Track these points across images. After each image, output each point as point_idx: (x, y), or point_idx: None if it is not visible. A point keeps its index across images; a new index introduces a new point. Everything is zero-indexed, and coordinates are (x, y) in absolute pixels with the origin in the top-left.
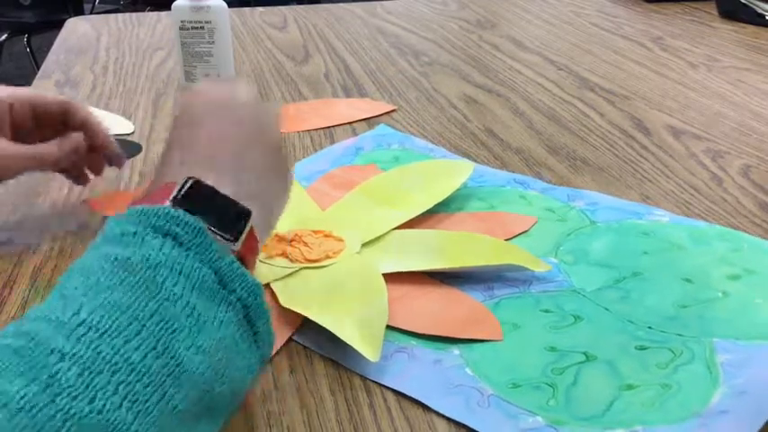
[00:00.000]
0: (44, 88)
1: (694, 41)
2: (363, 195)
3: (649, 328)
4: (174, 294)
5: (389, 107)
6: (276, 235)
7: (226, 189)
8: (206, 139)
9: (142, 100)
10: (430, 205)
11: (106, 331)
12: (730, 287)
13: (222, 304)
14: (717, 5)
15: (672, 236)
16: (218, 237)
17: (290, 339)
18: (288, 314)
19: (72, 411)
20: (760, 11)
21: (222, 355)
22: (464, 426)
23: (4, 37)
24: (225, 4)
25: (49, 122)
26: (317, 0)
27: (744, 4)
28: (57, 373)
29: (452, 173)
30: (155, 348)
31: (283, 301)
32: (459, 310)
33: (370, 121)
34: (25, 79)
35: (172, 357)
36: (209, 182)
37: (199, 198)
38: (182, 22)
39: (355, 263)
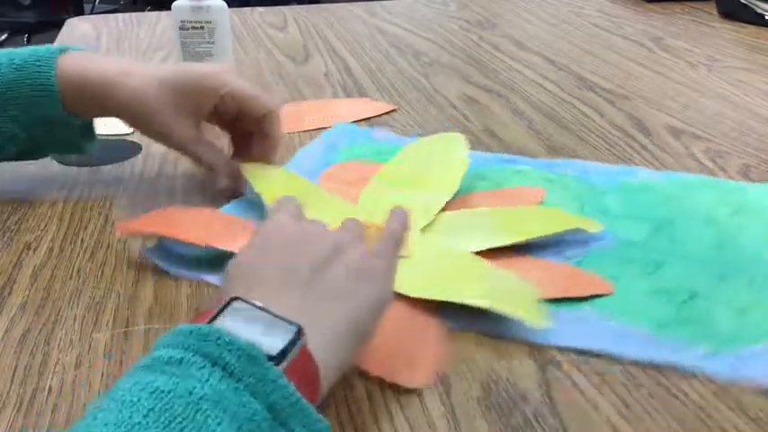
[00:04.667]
0: None
1: (694, 41)
2: (385, 183)
3: (685, 258)
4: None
5: (389, 107)
6: None
7: (271, 305)
8: (272, 266)
9: None
10: (458, 181)
11: None
12: (741, 220)
13: None
14: (717, 5)
15: (667, 189)
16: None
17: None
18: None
19: None
20: (760, 11)
21: None
22: (464, 425)
23: (4, 37)
24: (225, 4)
25: (244, 118)
26: (317, 0)
27: (744, 4)
28: None
29: (452, 146)
30: None
31: (413, 291)
32: (556, 274)
33: (370, 121)
34: None
35: None
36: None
37: (241, 312)
38: (182, 22)
39: (436, 247)
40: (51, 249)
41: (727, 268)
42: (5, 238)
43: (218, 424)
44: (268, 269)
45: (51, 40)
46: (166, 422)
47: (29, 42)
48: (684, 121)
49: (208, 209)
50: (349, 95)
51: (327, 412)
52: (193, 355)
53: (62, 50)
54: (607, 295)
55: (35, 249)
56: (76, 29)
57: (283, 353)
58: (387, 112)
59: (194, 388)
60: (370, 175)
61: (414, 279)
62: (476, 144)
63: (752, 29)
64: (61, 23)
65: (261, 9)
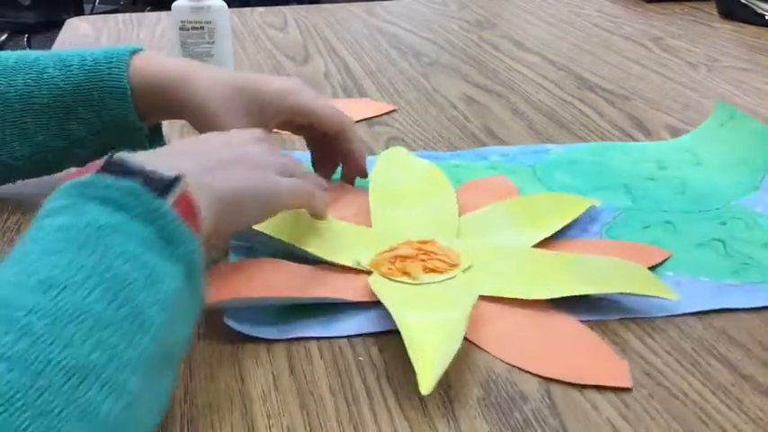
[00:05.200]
0: None
1: (694, 41)
2: (386, 205)
3: (699, 211)
4: (124, 252)
5: (389, 107)
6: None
7: (162, 166)
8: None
9: None
10: (450, 185)
11: (66, 287)
12: (672, 172)
13: (169, 260)
14: (717, 5)
15: (588, 158)
16: (150, 195)
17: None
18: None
19: (50, 357)
20: (760, 11)
21: (175, 307)
22: (464, 425)
23: (4, 37)
24: (225, 4)
25: (320, 135)
26: (317, 0)
27: (744, 4)
28: (28, 324)
29: (407, 159)
30: (115, 300)
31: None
32: (615, 250)
33: (369, 122)
34: None
35: (132, 308)
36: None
37: (124, 165)
38: (182, 22)
39: (492, 251)
40: None
41: (717, 213)
42: (5, 239)
43: (122, 244)
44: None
45: (51, 40)
46: (79, 246)
47: (29, 42)
48: (684, 121)
49: (264, 260)
50: (349, 96)
51: (327, 412)
52: (82, 199)
53: (134, 51)
54: (667, 259)
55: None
56: (76, 29)
57: (166, 188)
58: (387, 113)
59: (92, 220)
60: (358, 199)
61: (508, 281)
62: (476, 144)
63: (752, 29)
64: (61, 23)
65: (261, 9)
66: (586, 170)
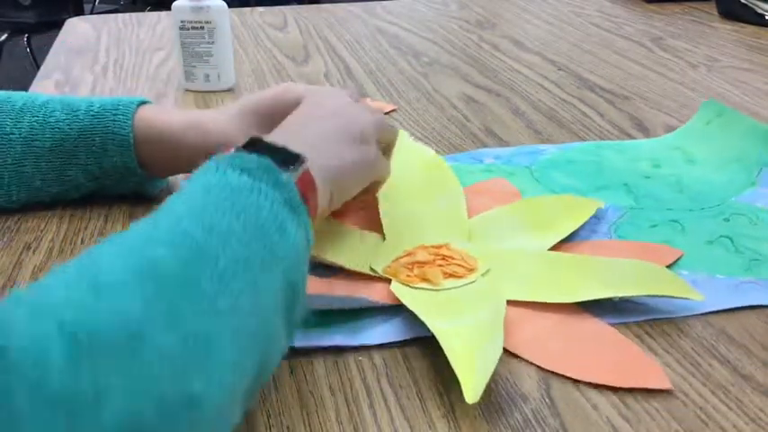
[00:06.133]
0: (43, 88)
1: (694, 41)
2: (391, 202)
3: (702, 209)
4: (259, 205)
5: (389, 107)
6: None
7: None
8: (294, 118)
9: None
10: (456, 180)
11: (212, 225)
12: (668, 170)
13: (293, 224)
14: (717, 5)
15: (584, 157)
16: (278, 170)
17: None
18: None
19: (208, 267)
20: (760, 11)
21: (299, 258)
22: (464, 425)
23: (4, 37)
24: (225, 4)
25: None
26: (317, 0)
27: (744, 4)
28: (184, 233)
29: (412, 148)
30: (252, 236)
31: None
32: (630, 252)
33: None
34: (25, 79)
35: (265, 246)
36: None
37: (260, 144)
38: (182, 22)
39: (508, 254)
40: (51, 249)
41: (719, 210)
42: (5, 239)
43: (256, 201)
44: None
45: (51, 40)
46: (220, 198)
47: (29, 42)
48: (684, 121)
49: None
50: None
51: (327, 412)
52: (222, 165)
53: (142, 102)
54: (680, 258)
55: (35, 249)
56: (76, 29)
57: (293, 164)
58: (387, 113)
59: (231, 181)
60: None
61: (532, 285)
62: (476, 144)
63: (752, 29)
64: (61, 23)
65: (261, 9)
66: (584, 170)
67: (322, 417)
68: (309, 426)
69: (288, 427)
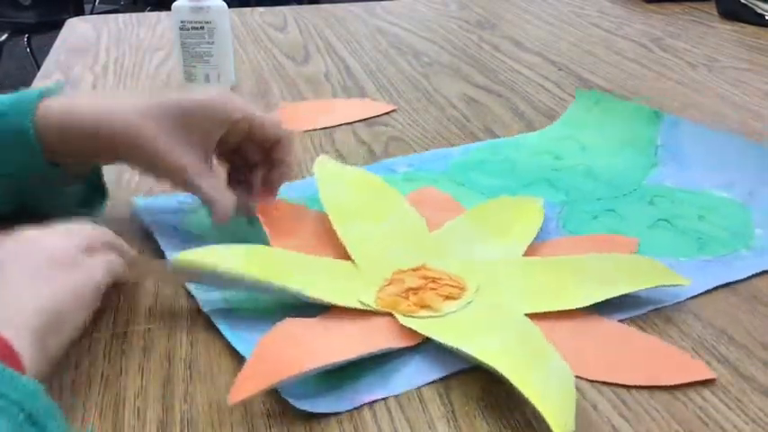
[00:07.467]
0: None
1: (694, 41)
2: (344, 227)
3: (624, 195)
4: None
5: (389, 107)
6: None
7: None
8: None
9: None
10: (402, 198)
11: None
12: (568, 161)
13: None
14: (717, 5)
15: (490, 157)
16: None
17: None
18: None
19: None
20: (760, 11)
21: None
22: (464, 425)
23: (4, 37)
24: (225, 5)
25: (250, 146)
26: (317, 0)
27: (744, 4)
28: None
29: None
30: None
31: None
32: (593, 244)
33: (369, 122)
34: (26, 79)
35: None
36: None
37: None
38: (182, 22)
39: (483, 266)
40: None
41: (638, 195)
42: None
43: None
44: None
45: (51, 40)
46: None
47: (29, 42)
48: None
49: (289, 326)
50: (349, 96)
51: (327, 412)
52: None
53: (43, 94)
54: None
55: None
56: (76, 29)
57: None
58: (387, 113)
59: None
60: (317, 226)
61: (534, 296)
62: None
63: (752, 29)
64: (61, 23)
65: (261, 9)
66: (499, 169)
67: (322, 417)
68: (309, 426)
69: (288, 428)
